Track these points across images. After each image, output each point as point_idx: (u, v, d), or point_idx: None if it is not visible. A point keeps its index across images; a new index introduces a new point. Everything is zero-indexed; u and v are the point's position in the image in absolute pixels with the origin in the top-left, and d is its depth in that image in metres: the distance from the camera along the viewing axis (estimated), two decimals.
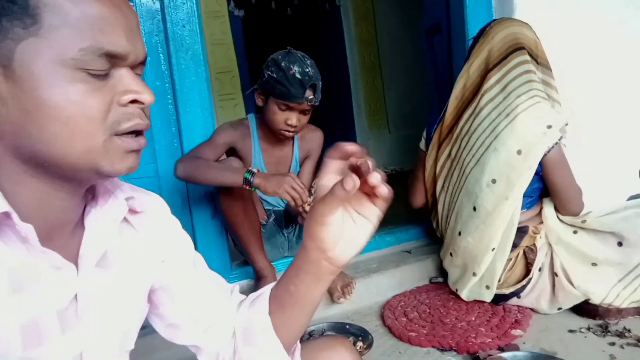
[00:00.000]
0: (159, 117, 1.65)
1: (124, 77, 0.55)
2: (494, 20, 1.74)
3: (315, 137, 1.84)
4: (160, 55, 1.64)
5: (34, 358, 0.53)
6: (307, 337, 1.49)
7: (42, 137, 0.51)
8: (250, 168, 1.48)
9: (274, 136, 1.70)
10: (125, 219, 0.67)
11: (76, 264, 0.59)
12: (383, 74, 4.76)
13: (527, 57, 1.58)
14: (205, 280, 0.79)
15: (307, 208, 0.53)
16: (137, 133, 0.57)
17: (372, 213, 0.62)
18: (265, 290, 0.76)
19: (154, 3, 1.61)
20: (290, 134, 1.65)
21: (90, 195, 0.64)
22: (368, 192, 0.60)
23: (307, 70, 1.55)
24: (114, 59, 0.54)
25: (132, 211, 0.67)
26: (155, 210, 0.73)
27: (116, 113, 0.54)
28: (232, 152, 1.71)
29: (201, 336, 0.76)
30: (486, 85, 1.61)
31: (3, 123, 0.51)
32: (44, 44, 0.50)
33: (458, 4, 2.15)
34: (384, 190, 0.57)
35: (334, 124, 4.55)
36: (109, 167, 0.55)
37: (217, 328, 0.76)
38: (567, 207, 1.60)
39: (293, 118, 1.60)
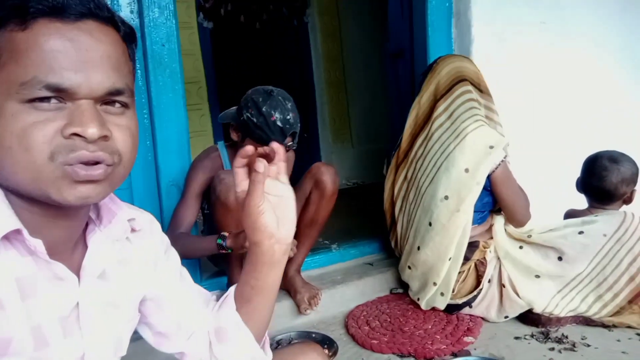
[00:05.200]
0: None
1: (76, 109, 0.55)
2: (440, 57, 1.94)
3: (288, 159, 1.91)
4: (138, 70, 1.69)
5: (42, 358, 0.59)
6: (276, 346, 1.57)
7: (3, 168, 0.56)
8: (222, 233, 1.48)
9: None
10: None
11: (78, 276, 0.65)
12: (347, 89, 4.89)
13: (470, 87, 1.80)
14: (190, 292, 0.87)
15: None
16: (97, 163, 0.57)
17: (284, 189, 0.77)
18: (229, 291, 0.84)
19: (133, 20, 1.67)
20: None
21: (94, 214, 0.71)
22: (275, 176, 0.77)
23: (289, 117, 1.54)
24: (62, 92, 0.54)
25: (132, 229, 0.74)
26: (149, 229, 0.80)
27: (57, 144, 0.54)
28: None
29: (185, 343, 0.84)
30: (435, 113, 1.81)
31: None
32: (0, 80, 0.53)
33: (421, 32, 2.32)
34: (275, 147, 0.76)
35: (299, 138, 4.63)
36: (58, 196, 0.55)
37: (199, 335, 0.84)
38: (515, 218, 1.78)
39: None
